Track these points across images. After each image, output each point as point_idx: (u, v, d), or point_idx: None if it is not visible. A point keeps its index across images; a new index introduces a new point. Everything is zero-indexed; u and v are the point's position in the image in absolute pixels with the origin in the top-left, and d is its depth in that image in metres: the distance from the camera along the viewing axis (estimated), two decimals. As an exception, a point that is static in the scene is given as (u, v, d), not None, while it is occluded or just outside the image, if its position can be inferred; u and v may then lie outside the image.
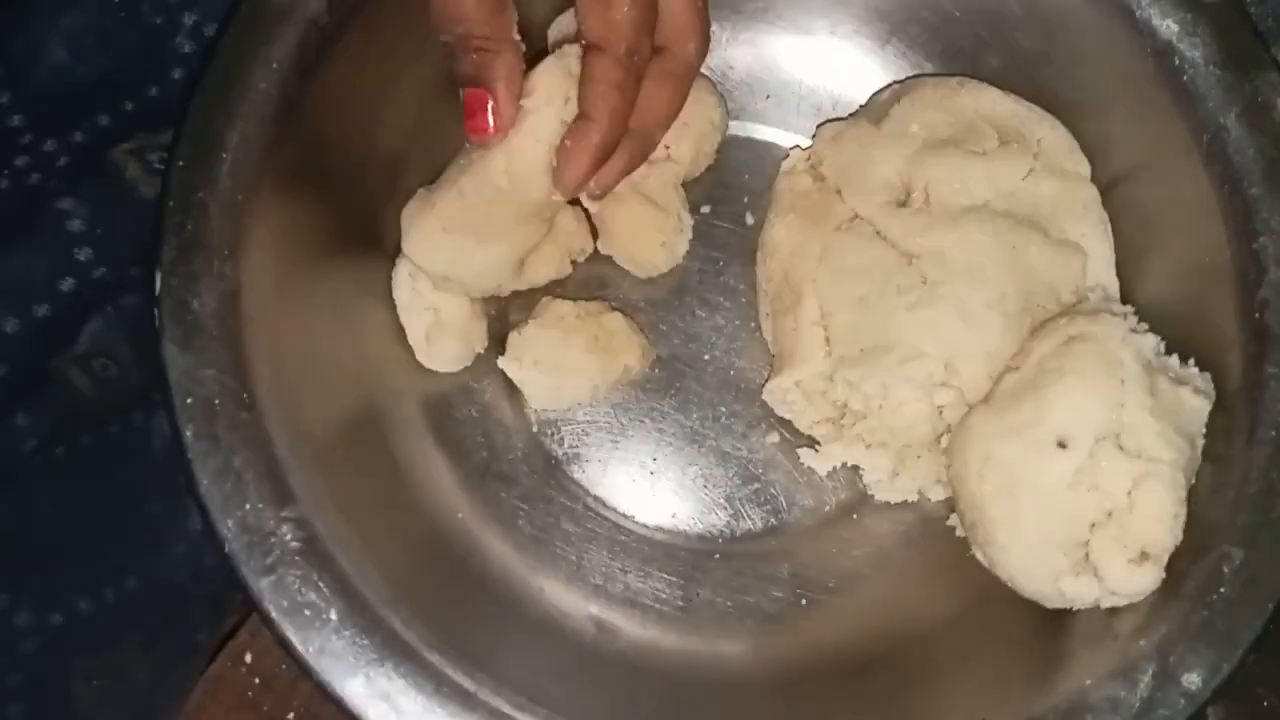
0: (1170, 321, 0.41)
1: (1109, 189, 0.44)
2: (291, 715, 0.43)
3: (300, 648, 0.33)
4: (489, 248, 0.41)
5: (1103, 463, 0.34)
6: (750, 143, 0.50)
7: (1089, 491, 0.34)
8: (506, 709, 0.34)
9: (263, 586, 0.33)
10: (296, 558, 0.34)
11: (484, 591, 0.41)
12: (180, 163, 0.37)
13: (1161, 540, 0.33)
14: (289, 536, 0.35)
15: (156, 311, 0.35)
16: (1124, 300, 0.43)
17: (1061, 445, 0.34)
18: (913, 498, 0.44)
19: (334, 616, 0.33)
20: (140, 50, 0.39)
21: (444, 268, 0.42)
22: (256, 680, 0.44)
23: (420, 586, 0.36)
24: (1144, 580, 0.34)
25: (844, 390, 0.40)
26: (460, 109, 0.39)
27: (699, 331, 0.48)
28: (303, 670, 0.33)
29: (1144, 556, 0.34)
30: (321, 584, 0.34)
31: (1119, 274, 0.43)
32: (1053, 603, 0.36)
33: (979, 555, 0.38)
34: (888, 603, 0.44)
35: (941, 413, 0.39)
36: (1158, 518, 0.33)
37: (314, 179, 0.41)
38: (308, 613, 0.33)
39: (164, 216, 0.37)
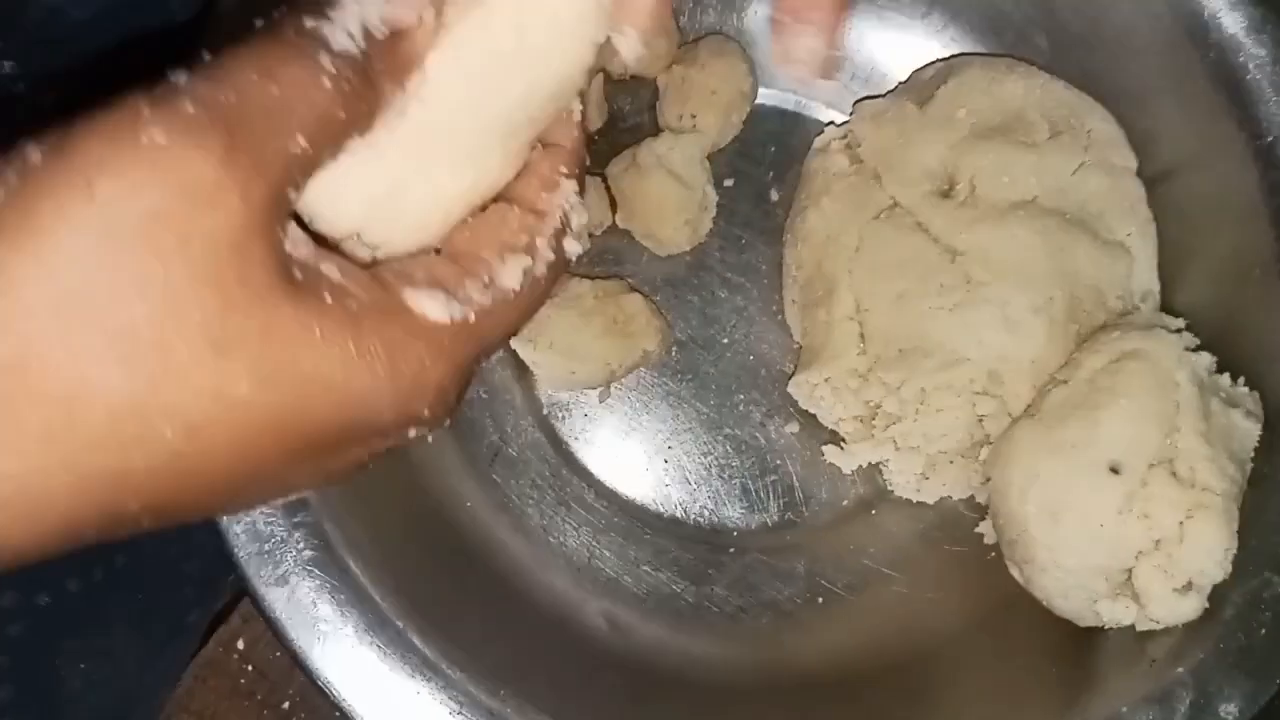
0: (1209, 330, 0.40)
1: (1152, 185, 0.42)
2: (286, 704, 0.42)
3: (316, 664, 0.31)
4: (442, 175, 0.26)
5: (1155, 490, 0.33)
6: (779, 113, 0.47)
7: (1138, 519, 0.33)
8: (510, 711, 0.32)
9: (274, 598, 0.31)
10: (304, 559, 0.33)
11: (493, 590, 0.39)
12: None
13: (1210, 573, 0.33)
14: (295, 537, 0.33)
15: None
16: (1163, 303, 0.41)
17: (1114, 470, 0.33)
18: (926, 499, 0.42)
19: (350, 631, 0.31)
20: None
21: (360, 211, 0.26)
22: (249, 667, 0.42)
23: (434, 593, 0.35)
24: (1186, 609, 0.33)
25: (879, 391, 0.39)
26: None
27: (718, 313, 0.46)
28: (307, 676, 0.31)
29: (1189, 586, 0.33)
30: (336, 595, 0.32)
31: (1160, 275, 0.42)
32: (1086, 622, 0.35)
33: (1014, 571, 0.37)
34: (905, 604, 0.43)
35: (982, 422, 0.37)
36: (1208, 551, 0.32)
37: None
38: (323, 626, 0.31)
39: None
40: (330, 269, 0.22)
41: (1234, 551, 0.33)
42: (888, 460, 0.41)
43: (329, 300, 0.22)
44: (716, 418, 0.45)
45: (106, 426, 0.20)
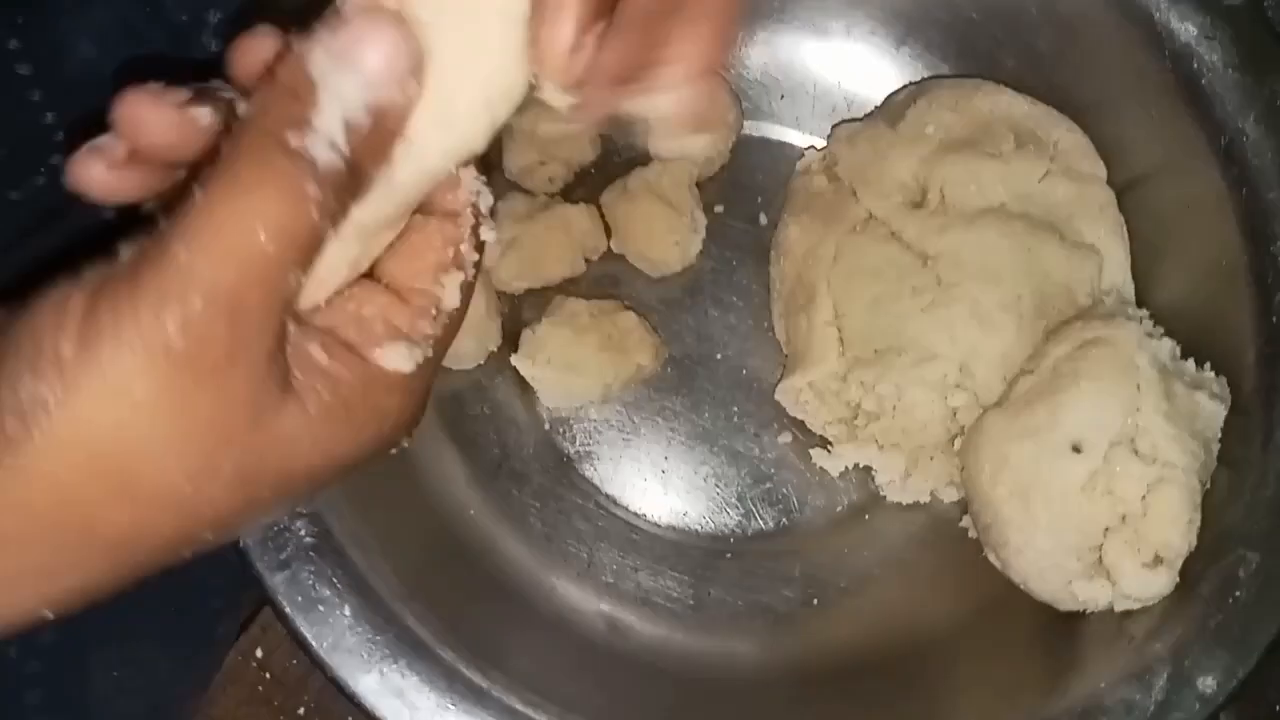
0: (1186, 324, 0.41)
1: (1125, 191, 0.44)
2: (302, 710, 0.44)
3: (314, 643, 0.33)
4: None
5: (1117, 467, 0.34)
6: (765, 143, 0.50)
7: (1103, 495, 0.34)
8: (519, 706, 0.34)
9: (277, 581, 0.33)
10: (310, 553, 0.35)
11: (497, 589, 0.41)
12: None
13: (1175, 545, 0.33)
14: (303, 532, 0.35)
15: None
16: (1139, 303, 0.42)
17: (1076, 449, 0.34)
18: (925, 499, 0.43)
19: (347, 613, 0.33)
20: (166, 46, 0.38)
21: None
22: (267, 675, 0.44)
23: (433, 583, 0.37)
24: (1157, 584, 0.34)
25: (857, 391, 0.40)
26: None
27: (711, 331, 0.48)
28: (317, 666, 0.33)
29: (1157, 560, 0.34)
30: (335, 580, 0.34)
31: (1135, 277, 0.43)
32: (1066, 605, 0.36)
33: (992, 558, 0.38)
34: (899, 604, 0.44)
35: (955, 414, 0.39)
36: (1172, 522, 0.33)
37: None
38: (321, 608, 0.33)
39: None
40: (319, 354, 0.24)
41: (1197, 523, 0.34)
42: (873, 460, 0.42)
43: (325, 396, 0.24)
44: (711, 430, 0.47)
45: (161, 551, 0.24)
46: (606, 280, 0.48)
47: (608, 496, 0.46)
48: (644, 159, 0.48)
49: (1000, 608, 0.41)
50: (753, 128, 0.50)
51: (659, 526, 0.45)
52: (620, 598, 0.43)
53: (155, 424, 0.21)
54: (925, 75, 0.48)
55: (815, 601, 0.44)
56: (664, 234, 0.46)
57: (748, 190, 0.50)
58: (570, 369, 0.45)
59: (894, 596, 0.44)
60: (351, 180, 0.23)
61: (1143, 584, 0.34)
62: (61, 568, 0.23)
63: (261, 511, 0.25)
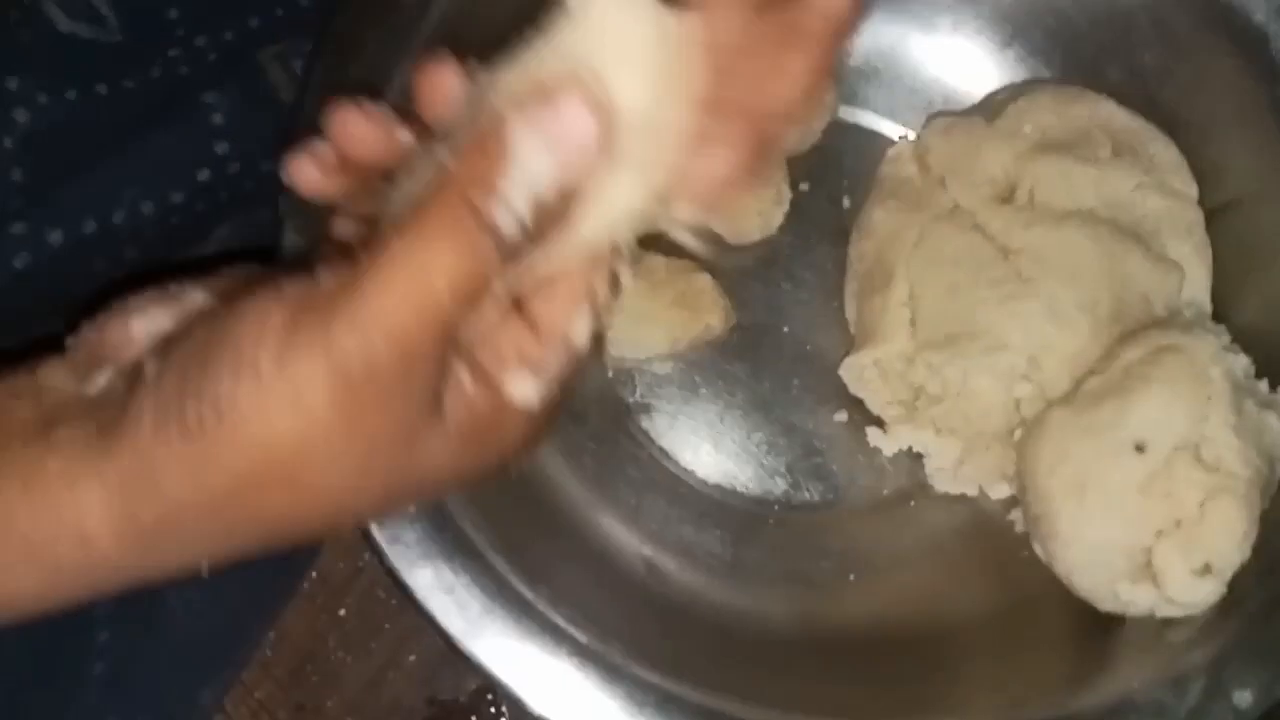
0: (1263, 349, 0.41)
1: (1215, 214, 0.44)
2: (343, 611, 0.45)
3: (375, 533, 0.34)
4: None
5: (1178, 471, 0.34)
6: (857, 129, 0.50)
7: (1160, 498, 0.34)
8: (560, 622, 0.35)
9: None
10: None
11: (547, 516, 0.42)
12: (319, 66, 0.39)
13: (1228, 555, 0.34)
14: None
15: (280, 200, 0.37)
16: (1216, 323, 0.43)
17: (1139, 449, 0.34)
18: (972, 492, 0.44)
19: (410, 509, 0.35)
20: None
21: None
22: (314, 573, 0.45)
23: (489, 498, 0.38)
24: (1204, 592, 0.34)
25: (923, 372, 0.41)
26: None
27: (782, 304, 0.49)
28: (375, 555, 0.34)
29: (1207, 569, 0.34)
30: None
31: (1214, 299, 0.43)
32: (1106, 605, 0.36)
33: (1039, 549, 0.38)
34: (933, 590, 0.44)
35: (1019, 405, 0.39)
36: (1227, 532, 0.33)
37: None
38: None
39: (298, 117, 0.39)
40: (466, 380, 0.26)
41: (1253, 537, 0.34)
42: (928, 444, 0.43)
43: (464, 421, 0.26)
44: (769, 399, 0.47)
45: (308, 534, 0.27)
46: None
47: (661, 449, 0.47)
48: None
49: (1033, 606, 0.41)
50: (847, 113, 0.50)
51: (706, 484, 0.46)
52: (662, 545, 0.44)
53: (327, 436, 0.24)
54: (1027, 78, 0.48)
55: (851, 577, 0.45)
56: (749, 203, 0.47)
57: (834, 172, 0.50)
58: (641, 320, 0.46)
59: (928, 582, 0.44)
60: (527, 240, 0.25)
61: (1189, 590, 0.34)
62: (225, 536, 0.26)
63: (393, 509, 0.30)
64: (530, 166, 0.24)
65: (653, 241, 0.48)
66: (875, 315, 0.43)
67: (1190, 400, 0.34)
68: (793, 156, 0.49)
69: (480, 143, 0.24)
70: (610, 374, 0.47)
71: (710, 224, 0.28)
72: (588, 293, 0.28)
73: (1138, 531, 0.34)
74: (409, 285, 0.24)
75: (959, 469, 0.43)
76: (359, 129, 0.27)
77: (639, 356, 0.47)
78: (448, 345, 0.25)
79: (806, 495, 0.46)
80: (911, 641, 0.43)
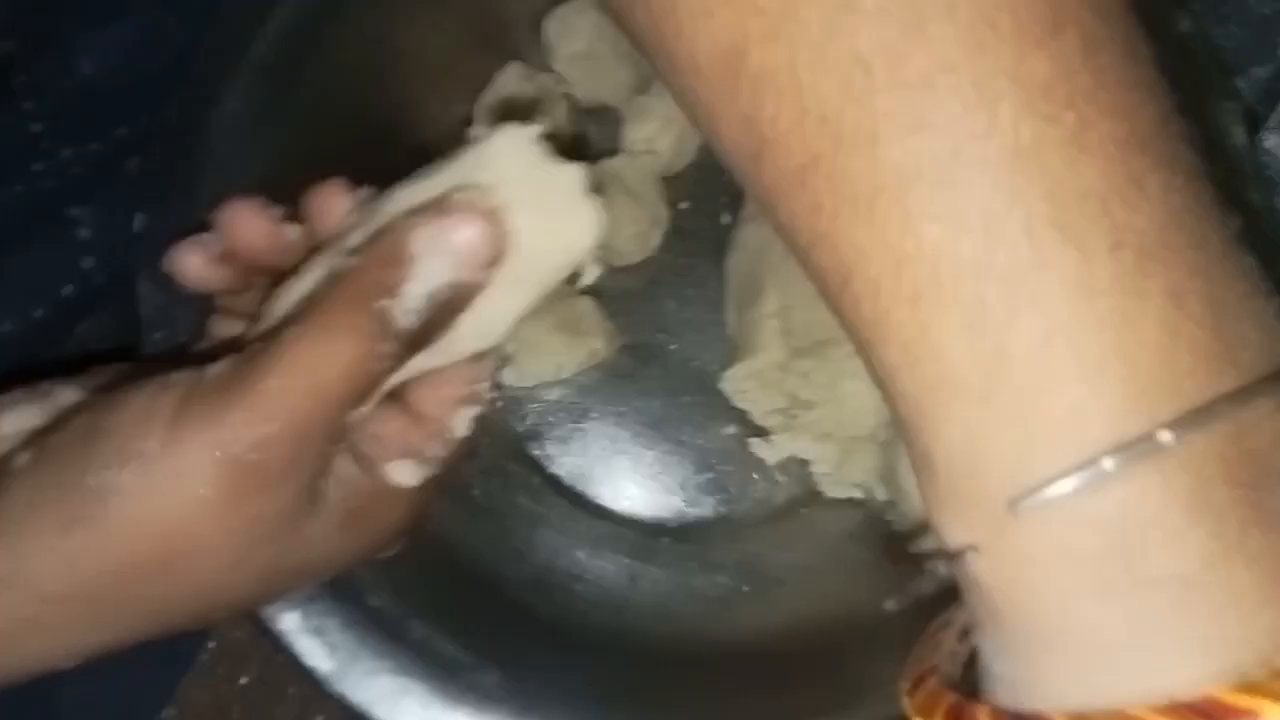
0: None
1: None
2: (245, 679, 0.44)
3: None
4: None
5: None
6: (733, 145, 0.51)
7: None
8: (443, 653, 0.35)
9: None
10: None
11: (432, 549, 0.42)
12: (174, 124, 0.39)
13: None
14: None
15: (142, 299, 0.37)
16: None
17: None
18: (858, 494, 0.44)
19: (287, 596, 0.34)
20: (165, 67, 0.41)
21: None
22: (212, 643, 0.44)
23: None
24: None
25: (796, 381, 0.41)
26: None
27: (667, 323, 0.49)
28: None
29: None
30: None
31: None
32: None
33: (913, 550, 0.39)
34: (829, 595, 0.45)
35: (884, 408, 0.40)
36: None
37: (303, 154, 0.43)
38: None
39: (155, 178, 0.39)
40: (349, 467, 0.28)
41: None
42: (808, 451, 0.43)
43: (346, 506, 0.27)
44: (659, 418, 0.48)
45: (184, 622, 0.27)
46: (569, 266, 0.50)
47: (552, 475, 0.47)
48: (612, 150, 0.49)
49: (926, 603, 0.41)
50: (722, 130, 0.51)
51: (600, 508, 0.47)
52: (554, 572, 0.44)
53: (214, 520, 0.24)
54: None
55: (746, 589, 0.45)
56: (625, 225, 0.48)
57: (713, 189, 0.51)
58: (525, 348, 0.46)
59: (824, 587, 0.45)
60: (419, 339, 0.27)
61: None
62: (101, 625, 0.26)
63: (272, 597, 0.30)
64: (428, 272, 0.26)
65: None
66: (749, 328, 0.43)
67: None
68: (670, 176, 0.50)
69: (383, 247, 0.26)
70: (500, 404, 0.48)
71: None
72: (472, 388, 0.29)
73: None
74: (306, 374, 0.25)
75: (840, 473, 0.43)
76: (250, 224, 0.29)
77: (526, 384, 0.48)
78: (339, 432, 0.26)
79: (700, 512, 0.47)
80: (810, 647, 0.43)
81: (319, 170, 0.44)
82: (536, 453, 0.47)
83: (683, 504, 0.47)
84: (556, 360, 0.46)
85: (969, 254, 0.17)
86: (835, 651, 0.42)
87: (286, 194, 0.40)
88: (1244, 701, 0.16)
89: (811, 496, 0.46)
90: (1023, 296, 0.17)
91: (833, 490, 0.45)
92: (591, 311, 0.47)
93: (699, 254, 0.50)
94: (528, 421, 0.48)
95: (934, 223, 0.18)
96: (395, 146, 0.48)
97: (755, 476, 0.47)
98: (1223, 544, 0.17)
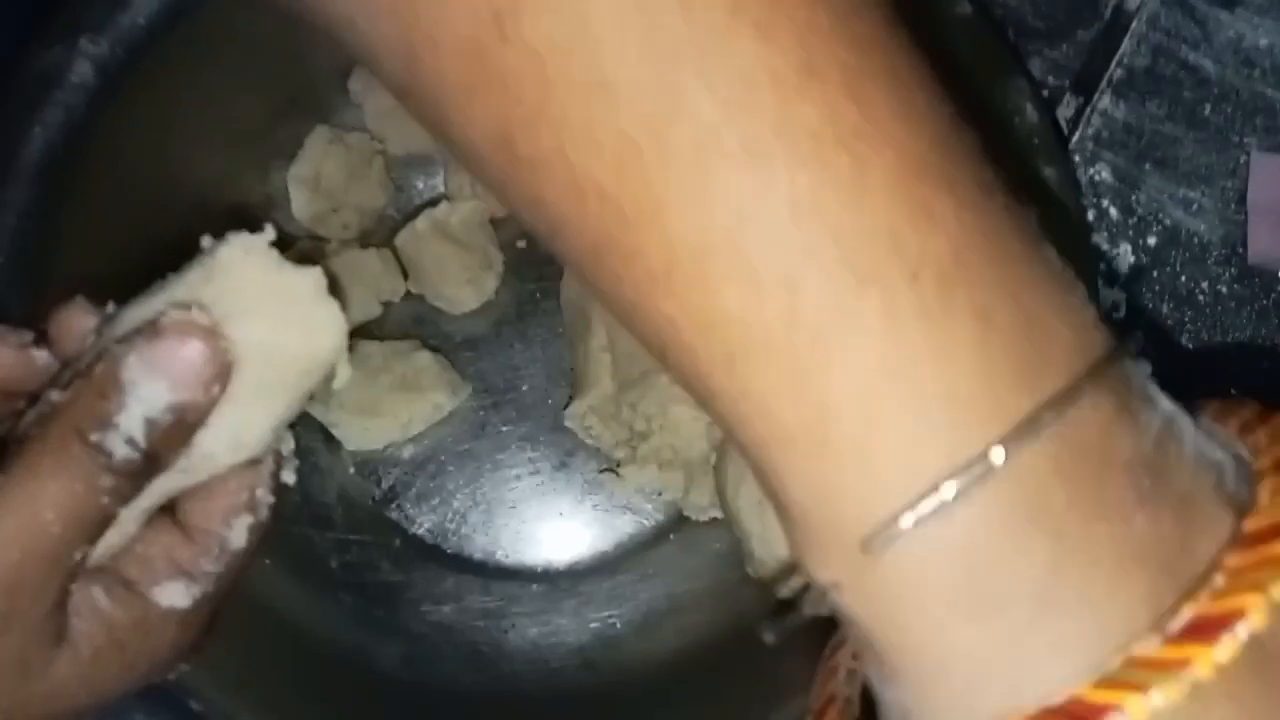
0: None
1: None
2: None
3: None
4: None
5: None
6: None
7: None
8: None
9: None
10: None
11: (281, 638, 0.41)
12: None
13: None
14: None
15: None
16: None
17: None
18: (718, 514, 0.44)
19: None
20: None
21: None
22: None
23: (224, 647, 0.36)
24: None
25: (629, 412, 0.41)
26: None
27: (517, 364, 0.48)
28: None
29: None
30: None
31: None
32: (823, 611, 0.36)
33: (750, 571, 0.38)
34: (702, 621, 0.44)
35: (712, 430, 0.39)
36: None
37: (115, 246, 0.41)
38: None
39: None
40: (100, 597, 0.26)
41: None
42: (655, 480, 0.43)
43: (99, 640, 0.26)
44: (517, 463, 0.47)
45: None
46: (410, 321, 0.49)
47: (414, 537, 0.46)
48: (434, 200, 0.49)
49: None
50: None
51: (468, 563, 0.46)
52: (421, 634, 0.44)
53: None
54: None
55: (618, 625, 0.44)
56: (455, 272, 0.47)
57: (549, 224, 0.50)
58: (366, 411, 0.46)
59: (698, 614, 0.44)
60: (147, 466, 0.26)
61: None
62: None
63: None
64: (146, 398, 0.25)
65: (365, 328, 0.48)
66: (582, 363, 0.43)
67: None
68: (506, 217, 0.49)
69: (94, 377, 0.25)
70: (351, 470, 0.47)
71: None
72: (244, 496, 0.28)
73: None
74: (15, 522, 0.24)
75: (688, 498, 0.43)
76: (76, 322, 0.28)
77: (376, 447, 0.47)
78: (66, 577, 0.25)
79: (570, 553, 0.46)
80: (695, 674, 0.43)
81: (135, 260, 0.43)
82: (394, 515, 0.46)
83: (552, 547, 0.46)
84: (399, 419, 0.46)
85: (774, 312, 0.18)
86: (721, 674, 0.42)
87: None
88: (1104, 697, 0.17)
89: (679, 521, 0.45)
90: (834, 345, 0.18)
91: (695, 514, 0.44)
92: (430, 365, 0.46)
93: (540, 291, 0.49)
94: (383, 484, 0.47)
95: (734, 286, 0.18)
96: (216, 221, 0.47)
97: (622, 509, 0.46)
98: (1066, 544, 0.17)
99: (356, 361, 0.46)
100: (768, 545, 0.36)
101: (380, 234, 0.49)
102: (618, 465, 0.44)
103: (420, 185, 0.50)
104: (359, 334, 0.48)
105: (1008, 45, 0.41)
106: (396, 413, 0.45)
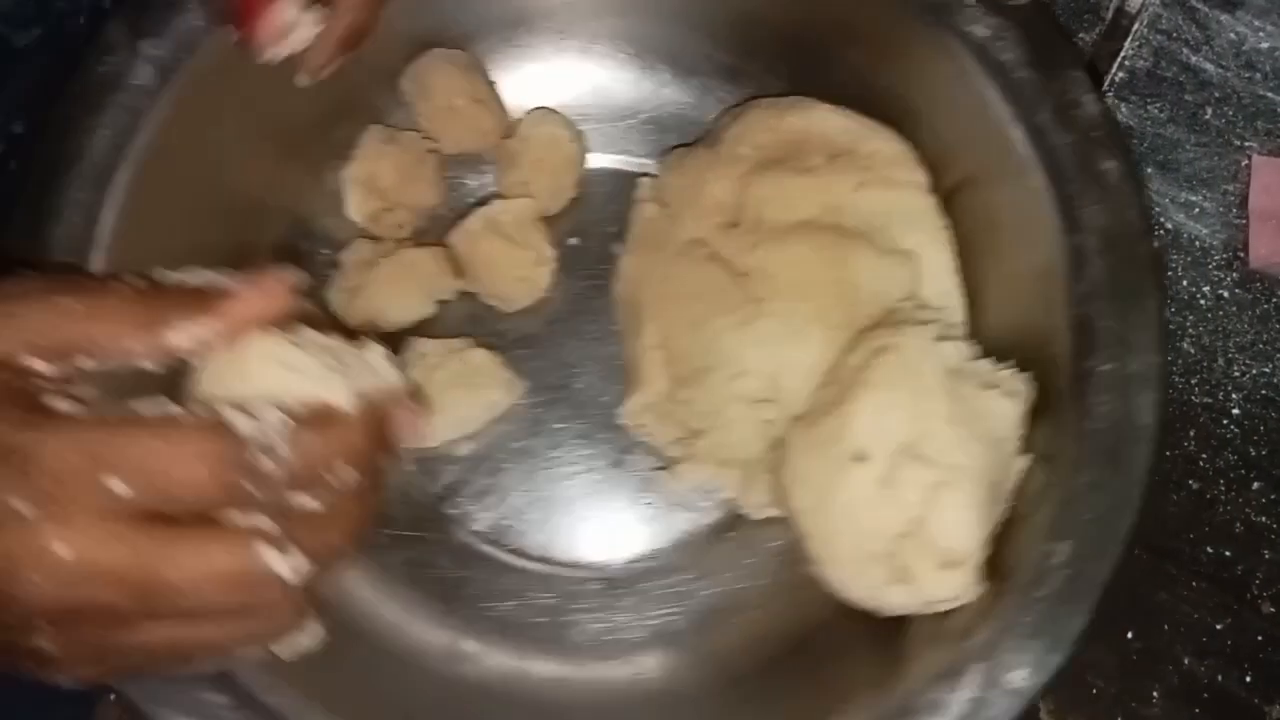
0: (1012, 323, 0.42)
1: (953, 196, 0.44)
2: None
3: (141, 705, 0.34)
4: None
5: (903, 473, 0.34)
6: (616, 173, 0.51)
7: (890, 503, 0.34)
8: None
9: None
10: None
11: (350, 635, 0.41)
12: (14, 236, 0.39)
13: (962, 546, 0.34)
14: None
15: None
16: (973, 304, 0.43)
17: (861, 458, 0.34)
18: (775, 512, 0.44)
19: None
20: None
21: None
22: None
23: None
24: (954, 586, 0.34)
25: (684, 410, 0.41)
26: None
27: (570, 361, 0.48)
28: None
29: (951, 563, 0.34)
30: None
31: (968, 280, 0.43)
32: (884, 612, 0.36)
33: (812, 570, 0.38)
34: (762, 618, 0.44)
35: (769, 428, 0.39)
36: (956, 524, 0.34)
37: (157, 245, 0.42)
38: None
39: None
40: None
41: (984, 523, 0.34)
42: (712, 478, 0.43)
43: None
44: (573, 459, 0.47)
45: None
46: (465, 319, 0.49)
47: (473, 533, 0.46)
48: (486, 198, 0.49)
49: (854, 614, 0.41)
50: (603, 159, 0.51)
51: (526, 559, 0.46)
52: (483, 633, 0.44)
53: None
54: (759, 95, 0.49)
55: (681, 622, 0.44)
56: (509, 270, 0.47)
57: (600, 221, 0.50)
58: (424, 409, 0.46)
59: (758, 611, 0.44)
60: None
61: (940, 586, 0.34)
62: None
63: None
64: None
65: (421, 327, 0.48)
66: (635, 360, 0.43)
67: (903, 400, 0.35)
68: (555, 214, 0.50)
69: None
70: (410, 467, 0.47)
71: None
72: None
73: (881, 539, 0.35)
74: None
75: (748, 495, 0.43)
76: None
77: (433, 444, 0.47)
78: None
79: (627, 550, 0.46)
80: (757, 673, 0.43)
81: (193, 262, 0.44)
82: (454, 512, 0.46)
83: (609, 544, 0.46)
84: (458, 417, 0.46)
85: None
86: (782, 673, 0.42)
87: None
88: None
89: (736, 520, 0.45)
90: None
91: (753, 512, 0.44)
92: (486, 363, 0.46)
93: (592, 288, 0.49)
94: (440, 481, 0.47)
95: None
96: (271, 223, 0.48)
97: (678, 506, 0.46)
98: None
99: (412, 361, 0.46)
100: (829, 545, 0.36)
101: (434, 232, 0.49)
102: (673, 463, 0.44)
103: (472, 183, 0.51)
104: (414, 332, 0.48)
105: (1065, 38, 0.41)
106: (455, 410, 0.45)
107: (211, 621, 0.26)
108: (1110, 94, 0.45)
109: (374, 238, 0.48)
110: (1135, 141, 0.45)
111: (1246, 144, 0.45)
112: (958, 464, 0.34)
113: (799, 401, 0.38)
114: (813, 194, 0.41)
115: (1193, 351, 0.45)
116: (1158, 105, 0.46)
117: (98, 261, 0.39)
